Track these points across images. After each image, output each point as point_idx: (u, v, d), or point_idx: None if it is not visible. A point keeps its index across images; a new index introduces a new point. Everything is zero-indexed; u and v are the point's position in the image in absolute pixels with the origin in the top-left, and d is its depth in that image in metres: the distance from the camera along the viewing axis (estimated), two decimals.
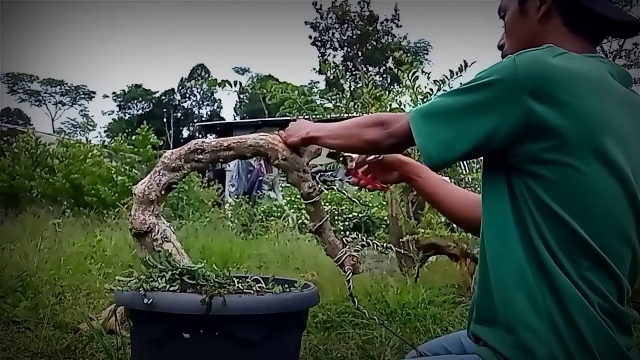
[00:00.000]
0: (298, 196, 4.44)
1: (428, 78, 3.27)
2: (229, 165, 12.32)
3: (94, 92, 45.21)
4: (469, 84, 0.95)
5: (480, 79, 0.93)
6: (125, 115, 45.32)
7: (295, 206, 8.49)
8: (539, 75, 0.88)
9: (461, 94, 0.96)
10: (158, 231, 1.34)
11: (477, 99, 0.92)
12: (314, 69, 41.52)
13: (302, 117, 3.71)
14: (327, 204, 7.58)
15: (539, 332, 0.90)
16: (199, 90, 44.21)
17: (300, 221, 7.64)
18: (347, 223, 8.17)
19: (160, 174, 1.36)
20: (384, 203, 5.13)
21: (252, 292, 1.26)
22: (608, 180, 0.90)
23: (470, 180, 3.90)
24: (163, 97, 45.01)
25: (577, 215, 0.90)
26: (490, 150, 0.94)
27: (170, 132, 40.04)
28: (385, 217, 6.56)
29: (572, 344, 0.89)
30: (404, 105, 3.57)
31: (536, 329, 0.90)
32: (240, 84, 3.62)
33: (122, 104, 45.73)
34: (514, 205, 0.95)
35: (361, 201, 7.70)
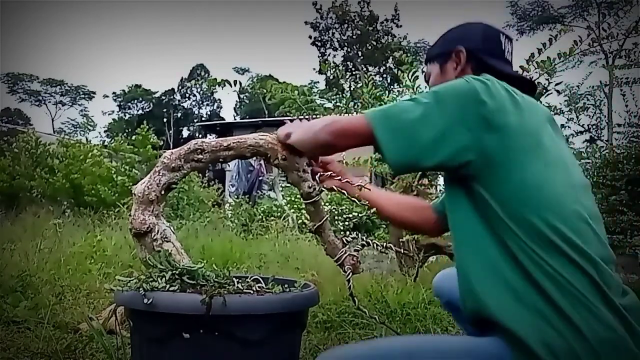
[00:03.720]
0: (298, 196, 4.43)
1: None
2: (229, 165, 12.33)
3: (94, 92, 45.20)
4: (429, 94, 1.05)
5: (436, 92, 1.04)
6: (125, 115, 45.32)
7: (295, 206, 8.50)
8: (489, 89, 1.02)
9: (419, 103, 1.04)
10: (158, 231, 1.34)
11: (433, 111, 1.02)
12: (314, 69, 41.69)
13: (302, 117, 3.70)
14: (327, 204, 7.54)
15: (527, 323, 0.94)
16: (199, 90, 44.24)
17: (300, 221, 7.63)
18: (347, 223, 8.14)
19: (160, 174, 1.36)
20: None
21: (252, 292, 1.26)
22: (551, 169, 1.01)
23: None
24: (163, 97, 45.01)
25: (536, 208, 0.98)
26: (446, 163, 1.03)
27: (170, 132, 40.06)
28: None
29: (567, 332, 0.92)
30: None
31: (526, 321, 0.94)
32: (240, 84, 3.61)
33: (122, 104, 45.73)
34: (480, 214, 1.03)
35: (361, 201, 7.69)
